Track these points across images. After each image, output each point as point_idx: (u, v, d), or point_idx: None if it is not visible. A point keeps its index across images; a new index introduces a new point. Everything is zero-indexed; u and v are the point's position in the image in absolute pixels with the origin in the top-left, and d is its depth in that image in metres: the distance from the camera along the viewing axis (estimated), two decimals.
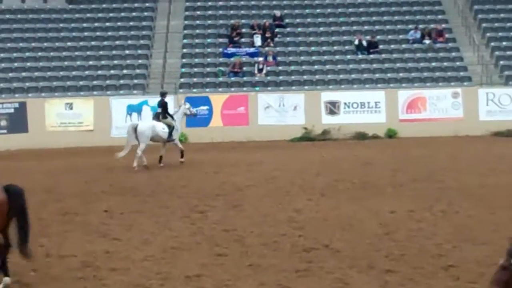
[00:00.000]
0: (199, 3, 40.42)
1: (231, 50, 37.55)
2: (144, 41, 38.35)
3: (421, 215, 15.88)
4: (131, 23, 39.19)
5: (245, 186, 20.38)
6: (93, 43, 37.91)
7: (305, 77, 36.34)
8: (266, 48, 37.54)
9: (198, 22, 39.54)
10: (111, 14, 39.67)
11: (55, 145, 32.52)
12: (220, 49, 37.82)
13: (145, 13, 39.96)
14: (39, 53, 37.30)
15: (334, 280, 11.27)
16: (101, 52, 37.50)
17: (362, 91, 35.25)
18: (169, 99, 27.41)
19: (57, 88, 35.50)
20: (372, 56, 37.30)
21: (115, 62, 37.05)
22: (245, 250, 13.15)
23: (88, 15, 39.51)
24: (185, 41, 38.38)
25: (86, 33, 38.39)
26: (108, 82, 35.90)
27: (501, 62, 36.51)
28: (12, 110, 33.94)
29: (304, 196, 18.61)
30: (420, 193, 18.58)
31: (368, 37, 37.74)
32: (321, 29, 39.00)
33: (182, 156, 25.49)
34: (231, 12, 40.03)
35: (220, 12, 40.07)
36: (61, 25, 38.87)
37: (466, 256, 12.32)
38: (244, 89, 35.56)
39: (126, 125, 29.30)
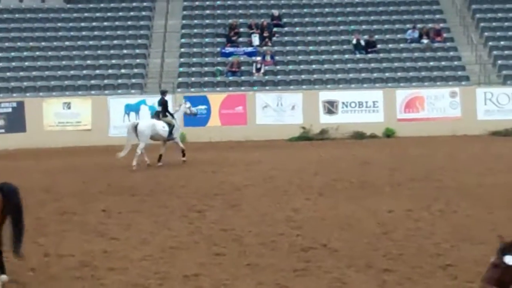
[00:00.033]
0: (197, 3, 40.40)
1: (229, 49, 37.56)
2: (142, 40, 38.34)
3: (419, 215, 15.88)
4: (129, 23, 39.17)
5: (243, 186, 20.38)
6: (91, 42, 37.89)
7: (303, 76, 36.35)
8: (264, 48, 37.54)
9: (196, 21, 39.53)
10: (109, 14, 39.66)
11: (53, 144, 32.51)
12: (218, 49, 37.82)
13: (143, 13, 39.95)
14: (37, 53, 37.29)
15: (332, 279, 11.26)
16: (99, 52, 37.49)
17: (360, 91, 35.26)
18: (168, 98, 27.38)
19: (55, 87, 35.49)
20: (370, 55, 37.31)
21: (113, 61, 37.04)
22: (243, 250, 13.14)
23: (86, 14, 39.49)
24: (183, 40, 38.38)
25: (84, 33, 38.37)
26: (106, 81, 35.90)
27: (499, 62, 36.54)
28: (10, 110, 33.93)
29: (302, 195, 18.61)
30: (418, 193, 18.58)
31: (366, 37, 37.75)
32: (319, 28, 39.00)
33: (183, 155, 25.47)
34: (229, 11, 40.02)
35: (218, 11, 40.07)
36: (59, 24, 38.86)
37: (464, 255, 12.32)
38: (242, 88, 35.56)
39: (124, 125, 29.36)
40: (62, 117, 34.00)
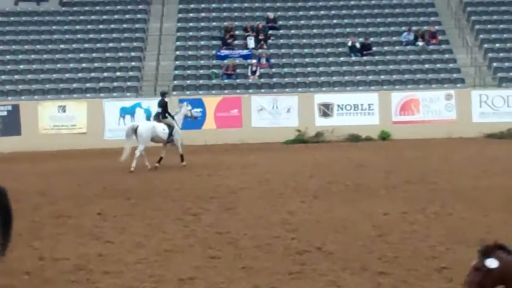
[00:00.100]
0: (192, 5, 40.40)
1: (224, 52, 37.56)
2: (137, 43, 38.32)
3: (414, 217, 15.88)
4: (124, 26, 39.16)
5: (239, 189, 20.37)
6: (86, 45, 37.86)
7: (298, 79, 36.36)
8: (260, 50, 37.54)
9: (191, 24, 39.53)
10: (104, 17, 39.63)
11: (48, 147, 32.47)
12: (214, 51, 37.82)
13: (138, 16, 39.94)
14: (32, 56, 37.25)
15: (327, 282, 11.26)
16: (94, 55, 37.47)
17: (355, 93, 35.28)
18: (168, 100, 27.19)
19: (50, 90, 35.45)
20: (365, 58, 37.35)
21: (108, 64, 37.02)
22: (238, 253, 13.14)
23: (81, 17, 39.46)
24: (178, 43, 38.38)
25: (79, 36, 38.34)
26: (101, 84, 35.87)
27: (494, 64, 36.60)
28: (5, 113, 33.88)
29: (298, 198, 18.61)
30: (413, 195, 18.59)
31: (361, 39, 37.78)
32: (315, 31, 39.02)
33: (182, 160, 25.38)
34: (224, 14, 40.03)
35: (213, 14, 40.07)
36: (54, 27, 38.83)
37: (459, 258, 12.31)
38: (238, 91, 35.57)
39: (120, 128, 29.26)
40: (57, 120, 33.95)
